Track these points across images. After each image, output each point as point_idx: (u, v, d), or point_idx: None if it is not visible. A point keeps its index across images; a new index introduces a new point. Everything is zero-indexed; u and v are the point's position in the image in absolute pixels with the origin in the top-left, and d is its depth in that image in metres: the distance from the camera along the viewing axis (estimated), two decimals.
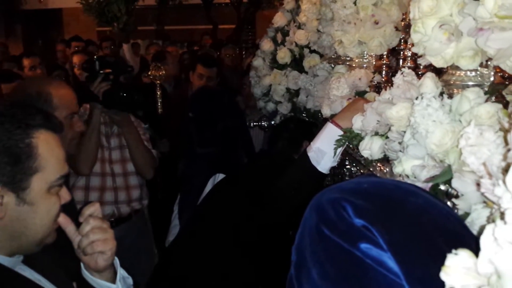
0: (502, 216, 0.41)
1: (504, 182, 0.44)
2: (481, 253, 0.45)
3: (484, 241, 0.44)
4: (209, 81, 3.65)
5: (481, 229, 0.55)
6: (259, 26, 11.33)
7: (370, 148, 1.35)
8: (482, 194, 0.58)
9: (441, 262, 0.55)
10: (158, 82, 3.63)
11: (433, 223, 0.67)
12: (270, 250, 2.28)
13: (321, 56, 2.44)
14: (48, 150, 1.05)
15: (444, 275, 0.50)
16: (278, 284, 2.42)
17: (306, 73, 2.56)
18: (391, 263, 0.61)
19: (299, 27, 2.70)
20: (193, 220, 2.30)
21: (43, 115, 1.07)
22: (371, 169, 1.47)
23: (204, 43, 7.88)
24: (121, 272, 1.25)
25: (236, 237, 2.15)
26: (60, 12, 13.30)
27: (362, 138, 1.44)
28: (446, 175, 0.98)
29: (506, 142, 0.56)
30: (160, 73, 3.67)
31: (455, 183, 0.90)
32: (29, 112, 1.05)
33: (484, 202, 0.77)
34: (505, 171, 0.43)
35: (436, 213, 0.70)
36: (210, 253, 2.16)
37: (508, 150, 0.47)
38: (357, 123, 1.48)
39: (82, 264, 1.20)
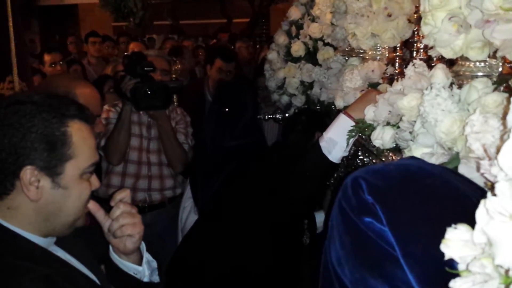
0: (492, 189, 0.46)
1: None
2: (476, 225, 0.50)
3: (478, 214, 0.49)
4: (228, 76, 3.70)
5: None
6: (273, 20, 11.35)
7: (382, 138, 1.40)
8: (482, 174, 0.62)
9: (437, 244, 0.60)
10: (174, 76, 3.70)
11: (443, 207, 0.72)
12: (286, 240, 2.34)
13: (335, 49, 2.47)
14: (81, 138, 1.12)
15: (444, 247, 0.55)
16: (290, 277, 2.50)
17: (320, 66, 2.60)
18: (390, 238, 0.66)
19: (313, 20, 2.73)
20: (212, 210, 2.36)
21: (77, 106, 1.15)
22: (383, 159, 1.51)
23: (220, 37, 7.91)
24: (146, 256, 1.33)
25: (256, 227, 2.21)
26: (76, 8, 13.48)
27: (374, 128, 1.48)
28: (454, 162, 1.03)
29: (504, 126, 0.60)
30: (176, 67, 3.74)
31: (461, 169, 0.94)
32: (64, 103, 1.13)
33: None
34: (498, 151, 0.48)
35: (452, 196, 0.74)
36: (229, 242, 2.22)
37: (504, 133, 0.52)
38: (369, 113, 1.53)
39: (110, 247, 1.28)
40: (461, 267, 0.54)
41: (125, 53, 2.94)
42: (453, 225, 0.55)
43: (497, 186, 0.45)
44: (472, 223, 0.73)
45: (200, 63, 6.23)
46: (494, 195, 0.46)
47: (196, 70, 5.86)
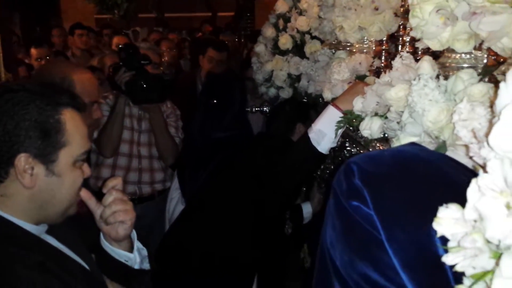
0: (484, 167, 0.49)
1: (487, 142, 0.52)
2: (467, 203, 0.52)
3: (470, 191, 0.52)
4: (219, 65, 3.72)
5: None
6: (258, 13, 11.32)
7: (370, 128, 1.43)
8: (471, 158, 0.66)
9: (422, 230, 0.63)
10: (161, 69, 3.68)
11: (431, 193, 0.75)
12: (270, 231, 2.37)
13: (322, 42, 2.50)
14: (74, 126, 1.13)
15: (436, 225, 0.58)
16: (272, 270, 2.53)
17: (308, 58, 2.63)
18: (376, 222, 0.69)
19: (300, 13, 2.75)
20: (199, 200, 2.38)
21: (70, 95, 1.15)
22: (370, 149, 1.55)
23: (205, 30, 7.89)
24: (137, 244, 1.34)
25: (241, 217, 2.23)
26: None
27: (362, 119, 1.51)
28: (441, 150, 1.06)
29: (492, 112, 0.63)
30: (164, 60, 3.73)
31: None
32: (57, 91, 1.14)
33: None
34: (487, 135, 0.51)
35: (442, 183, 0.76)
36: (214, 232, 2.24)
37: (493, 117, 0.55)
38: (358, 104, 1.56)
39: (101, 235, 1.28)
40: (452, 244, 0.56)
41: (120, 45, 2.90)
42: (444, 205, 0.58)
43: (488, 164, 0.48)
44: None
45: (185, 56, 6.21)
46: (486, 172, 0.49)
47: (181, 63, 5.84)
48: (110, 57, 3.43)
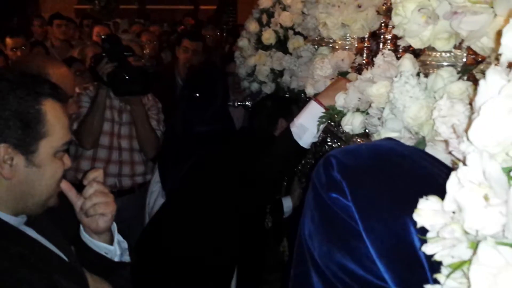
0: (463, 161, 0.51)
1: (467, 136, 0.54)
2: (447, 194, 0.54)
3: (449, 184, 0.53)
4: (195, 55, 3.73)
5: None
6: (240, 8, 11.29)
7: (352, 123, 1.46)
8: (450, 152, 0.68)
9: (399, 220, 0.65)
10: (143, 61, 3.65)
11: (407, 185, 0.77)
12: (250, 224, 2.39)
13: (305, 38, 2.52)
14: (55, 117, 1.11)
15: (416, 216, 0.59)
16: (251, 264, 2.55)
17: (291, 54, 2.64)
18: (354, 212, 0.71)
19: (284, 9, 2.76)
20: (180, 194, 2.37)
21: (51, 85, 1.14)
22: (351, 144, 1.57)
23: (187, 23, 7.83)
24: (117, 236, 1.33)
25: (223, 211, 2.24)
26: None
27: (344, 115, 1.54)
28: (420, 145, 1.09)
29: (471, 109, 0.66)
30: (145, 52, 3.70)
31: (428, 151, 1.00)
32: (38, 81, 1.12)
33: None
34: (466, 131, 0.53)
35: (417, 175, 0.79)
36: (196, 226, 2.24)
37: (473, 113, 0.57)
38: (340, 100, 1.58)
39: (81, 227, 1.27)
40: (431, 234, 0.58)
41: (103, 36, 2.86)
42: (424, 196, 0.60)
43: (468, 157, 0.50)
44: None
45: (166, 49, 6.15)
46: (465, 165, 0.50)
47: (162, 56, 5.79)
48: (91, 48, 3.39)
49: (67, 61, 3.38)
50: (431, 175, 0.79)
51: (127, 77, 2.37)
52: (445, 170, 0.79)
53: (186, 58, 3.71)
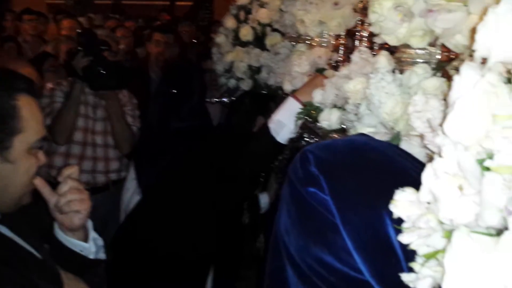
0: (439, 152, 0.53)
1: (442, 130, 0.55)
2: (422, 185, 0.56)
3: (425, 175, 0.55)
4: (167, 48, 3.72)
5: None
6: (217, 4, 11.23)
7: (329, 119, 1.47)
8: (425, 146, 0.69)
9: (375, 212, 0.66)
10: (118, 57, 3.60)
11: (382, 178, 0.79)
12: (227, 220, 2.39)
13: (283, 34, 2.53)
14: (29, 113, 1.09)
15: (392, 207, 0.61)
16: (228, 259, 2.55)
17: (268, 50, 2.65)
18: (331, 206, 0.73)
19: (261, 5, 2.77)
20: (156, 190, 2.35)
21: (25, 80, 1.11)
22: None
23: (163, 19, 7.74)
24: (92, 234, 1.32)
25: (200, 208, 2.23)
26: None
27: (321, 111, 1.56)
28: (396, 140, 1.11)
29: (446, 104, 0.67)
30: (120, 47, 3.65)
31: (403, 146, 1.02)
32: (12, 76, 1.09)
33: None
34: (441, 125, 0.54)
35: (391, 169, 0.81)
36: (173, 223, 2.23)
37: (447, 107, 0.58)
38: (317, 96, 1.60)
39: (55, 225, 1.25)
40: (406, 225, 0.60)
41: (78, 30, 2.82)
42: (400, 188, 0.61)
43: (443, 149, 0.52)
44: None
45: (141, 45, 6.07)
46: (441, 157, 0.52)
47: (137, 51, 5.71)
48: (65, 43, 3.32)
49: (40, 56, 3.31)
50: (405, 169, 0.81)
51: (103, 71, 2.34)
52: (417, 165, 0.82)
53: (159, 51, 3.69)
